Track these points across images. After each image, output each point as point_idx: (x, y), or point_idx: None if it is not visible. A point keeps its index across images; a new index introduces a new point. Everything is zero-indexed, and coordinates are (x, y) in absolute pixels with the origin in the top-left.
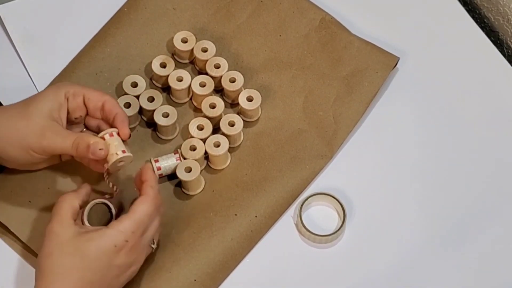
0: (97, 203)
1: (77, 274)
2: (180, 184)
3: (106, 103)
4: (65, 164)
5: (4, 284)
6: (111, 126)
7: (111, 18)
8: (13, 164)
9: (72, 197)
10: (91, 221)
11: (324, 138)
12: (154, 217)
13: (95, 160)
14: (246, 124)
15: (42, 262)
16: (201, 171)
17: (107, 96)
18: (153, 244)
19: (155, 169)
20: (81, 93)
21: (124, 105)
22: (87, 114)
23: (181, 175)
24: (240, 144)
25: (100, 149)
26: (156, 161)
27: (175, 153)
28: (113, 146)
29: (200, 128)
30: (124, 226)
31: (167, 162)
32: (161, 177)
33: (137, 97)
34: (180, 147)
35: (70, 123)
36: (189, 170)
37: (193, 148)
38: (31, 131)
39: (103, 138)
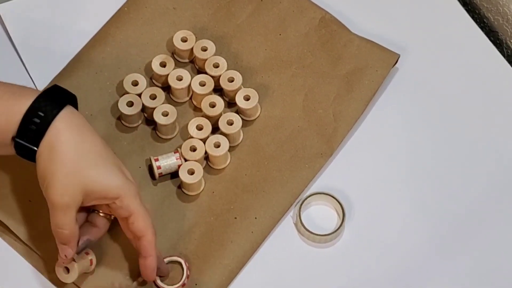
0: None
1: None
2: (179, 186)
3: (143, 239)
4: None
5: (3, 283)
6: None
7: (111, 18)
8: None
9: None
10: None
11: (323, 136)
12: None
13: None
14: (245, 123)
15: None
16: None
17: (149, 230)
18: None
19: (155, 168)
20: (130, 210)
21: (127, 104)
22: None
23: (184, 177)
24: (240, 143)
25: (65, 255)
26: (156, 160)
27: (175, 152)
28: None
29: (199, 128)
30: None
31: (166, 161)
32: (160, 176)
33: (139, 95)
34: (180, 146)
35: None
36: (192, 172)
37: (193, 149)
38: (64, 168)
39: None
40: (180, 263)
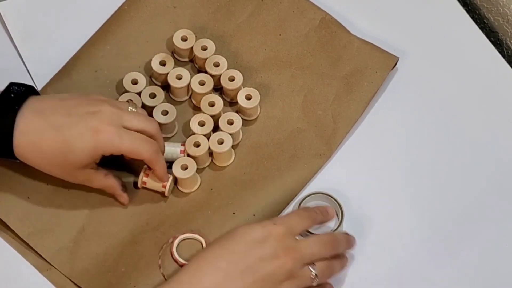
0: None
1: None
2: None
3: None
4: None
5: (2, 282)
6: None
7: (111, 16)
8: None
9: None
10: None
11: (323, 137)
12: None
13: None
14: (245, 122)
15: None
16: (205, 168)
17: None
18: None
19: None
20: (153, 162)
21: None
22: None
23: (177, 172)
24: (239, 142)
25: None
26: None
27: (182, 145)
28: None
29: (201, 124)
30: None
31: (170, 148)
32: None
33: (138, 94)
34: (185, 142)
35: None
36: (185, 167)
37: (197, 145)
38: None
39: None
40: (200, 242)
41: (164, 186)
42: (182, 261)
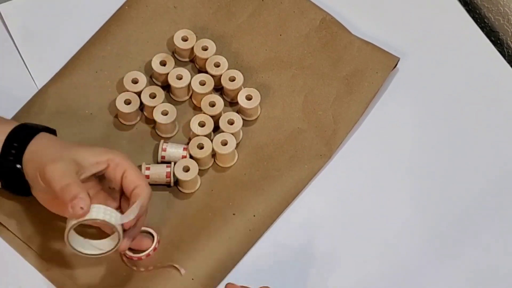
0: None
1: None
2: (176, 183)
3: (136, 188)
4: None
5: (2, 281)
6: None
7: (112, 16)
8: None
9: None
10: None
11: (323, 138)
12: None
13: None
14: (245, 123)
15: None
16: (208, 168)
17: (143, 181)
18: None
19: (160, 150)
20: (123, 167)
21: (125, 102)
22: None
23: (179, 173)
24: (239, 143)
25: (80, 207)
26: (166, 143)
27: (184, 149)
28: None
29: (202, 124)
30: None
31: (172, 149)
32: (162, 160)
33: (138, 93)
34: (186, 144)
35: (106, 191)
36: (187, 169)
37: (200, 147)
38: (51, 155)
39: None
40: (151, 234)
41: (168, 177)
42: (132, 255)
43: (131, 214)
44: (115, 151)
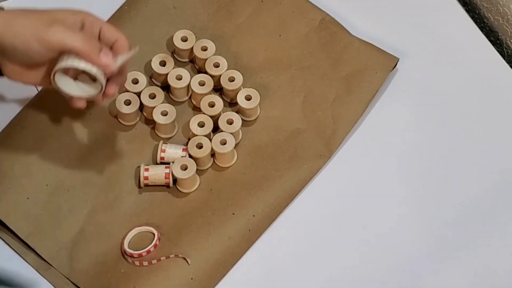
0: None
1: None
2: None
3: (118, 41)
4: (64, 161)
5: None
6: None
7: (112, 16)
8: (13, 59)
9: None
10: None
11: (322, 138)
12: None
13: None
14: (245, 123)
15: None
16: (207, 168)
17: (121, 34)
18: None
19: (159, 150)
20: (98, 25)
21: (125, 102)
22: None
23: (177, 172)
24: (239, 143)
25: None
26: (165, 143)
27: (183, 150)
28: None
29: (201, 125)
30: None
31: (171, 150)
32: (162, 161)
33: (138, 94)
34: (185, 144)
35: None
36: (185, 168)
37: (199, 146)
38: (41, 20)
39: None
40: (152, 233)
41: (167, 178)
42: (133, 252)
43: (119, 61)
44: (84, 11)
